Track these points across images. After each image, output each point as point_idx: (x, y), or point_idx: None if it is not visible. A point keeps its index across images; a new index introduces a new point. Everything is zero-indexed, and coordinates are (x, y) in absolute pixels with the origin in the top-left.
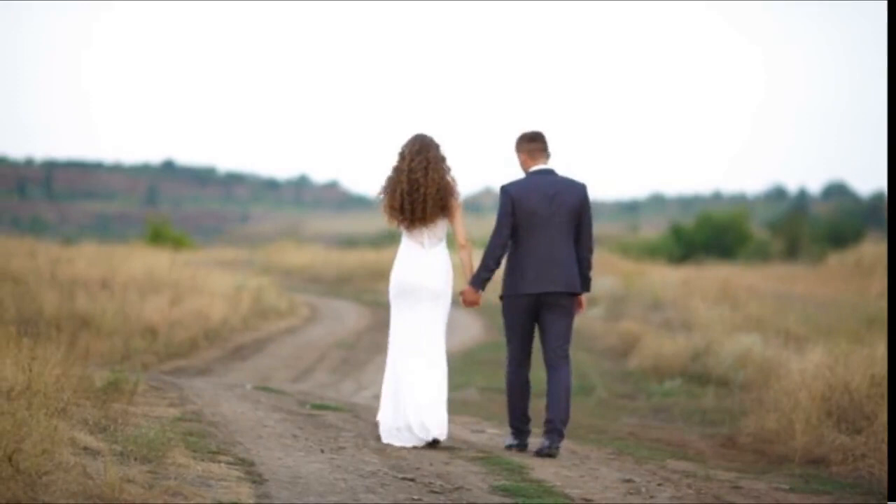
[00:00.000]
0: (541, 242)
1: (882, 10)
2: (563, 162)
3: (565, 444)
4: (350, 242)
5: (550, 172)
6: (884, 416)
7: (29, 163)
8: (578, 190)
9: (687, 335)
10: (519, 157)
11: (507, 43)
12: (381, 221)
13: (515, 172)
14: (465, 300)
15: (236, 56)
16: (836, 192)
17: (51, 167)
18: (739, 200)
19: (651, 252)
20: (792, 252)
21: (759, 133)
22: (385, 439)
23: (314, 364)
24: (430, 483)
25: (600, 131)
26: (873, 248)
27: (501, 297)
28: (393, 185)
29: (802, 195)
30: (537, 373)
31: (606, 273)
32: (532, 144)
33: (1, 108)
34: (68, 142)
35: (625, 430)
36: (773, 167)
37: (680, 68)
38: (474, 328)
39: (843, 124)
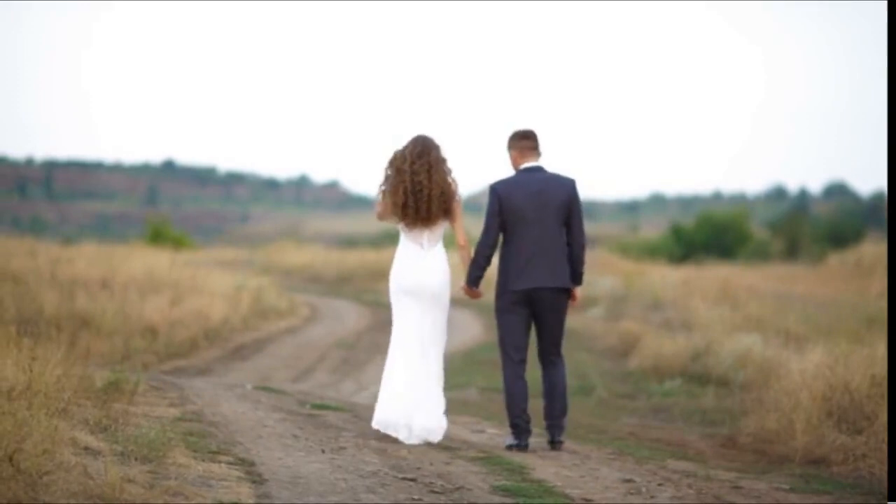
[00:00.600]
0: (530, 239)
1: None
2: (563, 162)
3: (566, 445)
4: (350, 242)
5: (539, 170)
6: (884, 416)
7: (29, 162)
8: (566, 186)
9: (687, 335)
10: (510, 154)
11: (508, 43)
12: (381, 222)
13: (511, 171)
14: (468, 294)
15: (236, 56)
16: (837, 191)
17: (51, 167)
18: (739, 200)
19: (651, 252)
20: (792, 252)
21: (759, 133)
22: (384, 430)
23: (314, 364)
24: (431, 483)
25: (600, 131)
26: (873, 248)
27: (495, 294)
28: (396, 183)
29: (803, 195)
30: (533, 372)
31: (606, 273)
32: (523, 142)
33: (1, 108)
34: (68, 142)
35: (625, 431)
36: (774, 167)
37: (680, 68)
38: (474, 328)
39: (843, 124)
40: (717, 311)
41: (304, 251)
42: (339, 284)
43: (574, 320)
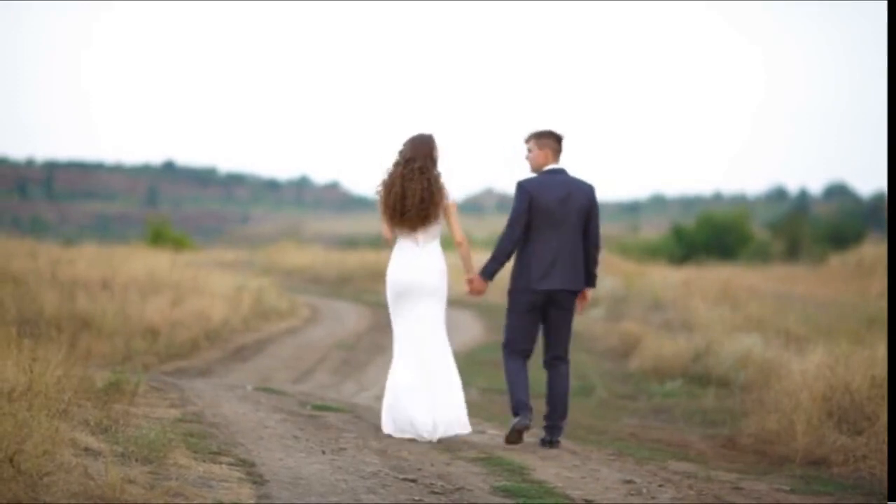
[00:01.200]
0: (553, 240)
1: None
2: (563, 162)
3: (566, 445)
4: (351, 243)
5: (562, 172)
6: (884, 417)
7: (29, 163)
8: (588, 191)
9: (688, 336)
10: (539, 152)
11: (508, 43)
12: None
13: (520, 172)
14: (471, 289)
15: (236, 56)
16: (837, 192)
17: (51, 167)
18: (740, 201)
19: (652, 253)
20: (793, 253)
21: (759, 133)
22: (396, 434)
23: (315, 365)
24: (432, 484)
25: (601, 132)
26: (874, 249)
27: (510, 292)
28: (389, 186)
29: (803, 196)
30: (536, 373)
31: (607, 274)
32: (555, 144)
33: (1, 108)
34: (69, 142)
35: (626, 431)
36: (774, 167)
37: (680, 68)
38: (475, 329)
39: (843, 124)
40: (718, 311)
41: (305, 252)
42: (340, 285)
43: (574, 321)
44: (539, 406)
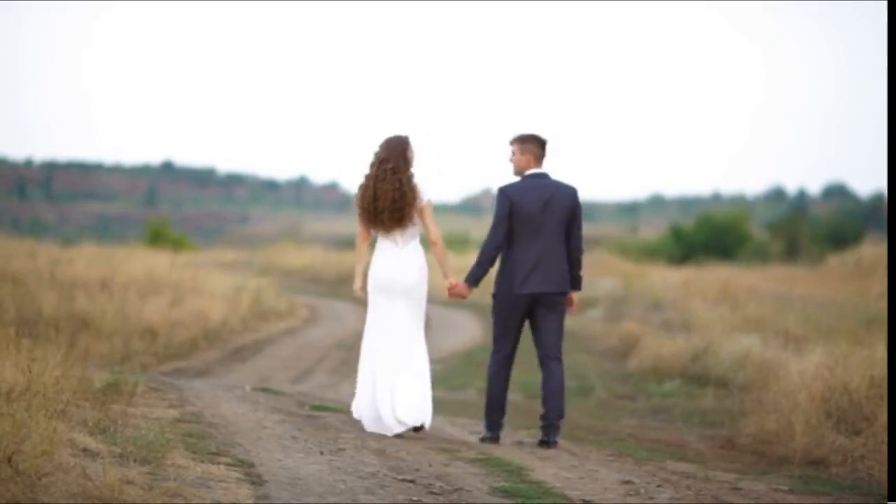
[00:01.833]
0: (535, 244)
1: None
2: (562, 162)
3: (564, 445)
4: (350, 243)
5: (545, 176)
6: (883, 418)
7: (29, 163)
8: (570, 194)
9: (686, 336)
10: (522, 156)
11: (507, 44)
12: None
13: (508, 168)
14: (453, 293)
15: (236, 56)
16: (836, 192)
17: (51, 168)
18: (739, 201)
19: (651, 253)
20: (792, 253)
21: (758, 133)
22: (368, 428)
23: (314, 365)
24: (430, 484)
25: (600, 132)
26: (873, 249)
27: (494, 296)
28: (363, 189)
29: (802, 196)
30: (533, 374)
31: (606, 274)
32: (538, 149)
33: (1, 108)
34: (68, 142)
35: (624, 432)
36: (773, 168)
37: (680, 68)
38: (474, 329)
39: (843, 124)
40: (717, 312)
41: (304, 252)
42: (339, 285)
43: (574, 321)
44: (535, 405)
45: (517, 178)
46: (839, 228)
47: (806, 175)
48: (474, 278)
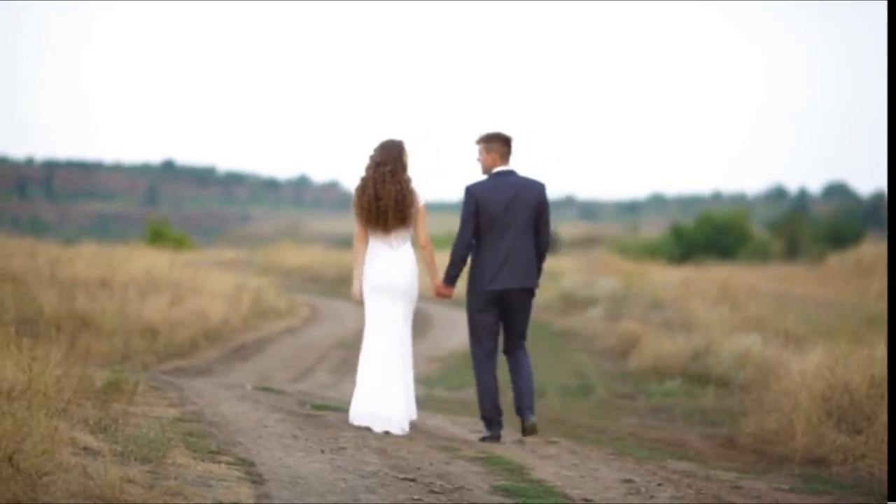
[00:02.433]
0: (503, 241)
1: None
2: (562, 161)
3: (565, 444)
4: (350, 243)
5: (511, 173)
6: (884, 417)
7: (29, 163)
8: (538, 190)
9: (687, 335)
10: (487, 155)
11: (508, 42)
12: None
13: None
14: (438, 293)
15: (236, 56)
16: (836, 192)
17: (51, 167)
18: (739, 200)
19: (651, 252)
20: (792, 252)
21: (759, 133)
22: (359, 423)
23: (314, 364)
24: (431, 483)
25: (600, 131)
26: (873, 249)
27: (466, 293)
28: (361, 189)
29: (802, 195)
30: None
31: (606, 273)
32: (502, 147)
33: (1, 108)
34: (68, 142)
35: (625, 431)
36: (773, 167)
37: (680, 68)
38: None
39: (843, 124)
40: (717, 311)
41: (304, 251)
42: (339, 285)
43: (573, 320)
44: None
45: (485, 177)
46: (839, 228)
47: (806, 174)
48: (450, 277)
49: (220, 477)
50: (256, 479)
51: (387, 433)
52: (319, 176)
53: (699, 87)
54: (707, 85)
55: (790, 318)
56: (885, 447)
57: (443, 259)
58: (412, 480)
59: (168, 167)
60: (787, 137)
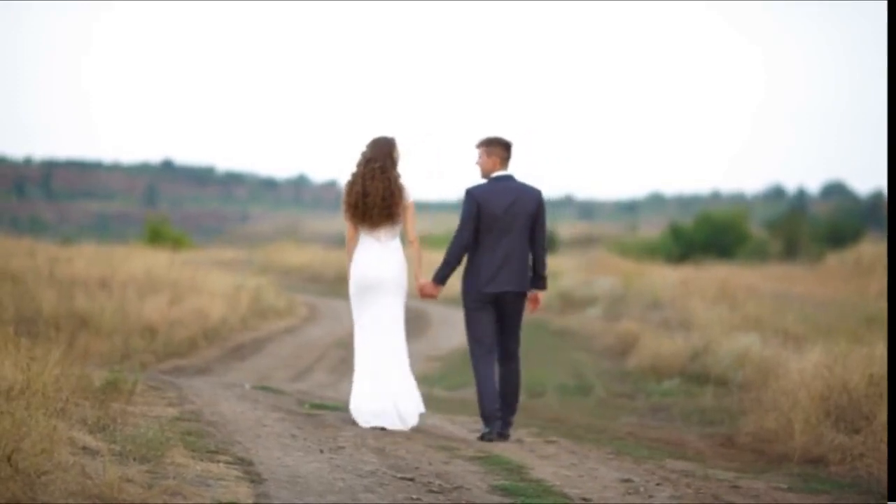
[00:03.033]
0: (501, 244)
1: (882, 10)
2: (562, 161)
3: (564, 444)
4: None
5: (510, 178)
6: (882, 416)
7: (28, 162)
8: (535, 196)
9: (686, 335)
10: (488, 159)
11: (508, 42)
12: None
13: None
14: (423, 293)
15: (236, 56)
16: (835, 191)
17: (50, 167)
18: (738, 200)
19: (650, 252)
20: (791, 252)
21: (758, 133)
22: (365, 424)
23: (313, 364)
24: (429, 482)
25: (600, 131)
26: (872, 248)
27: (462, 294)
28: (350, 185)
29: (801, 195)
30: (531, 373)
31: (605, 273)
32: (503, 152)
33: (1, 108)
34: (67, 141)
35: (623, 430)
36: (773, 167)
37: (679, 68)
38: None
39: (843, 124)
40: (716, 310)
41: (303, 251)
42: (338, 284)
43: (572, 320)
44: (536, 406)
45: (484, 181)
46: (838, 227)
47: (805, 174)
48: (441, 277)
49: (219, 476)
50: (255, 479)
51: (382, 429)
52: (318, 175)
53: (698, 86)
54: (706, 85)
55: (789, 317)
56: (883, 446)
57: (436, 258)
58: (411, 480)
59: (167, 167)
60: (786, 137)
